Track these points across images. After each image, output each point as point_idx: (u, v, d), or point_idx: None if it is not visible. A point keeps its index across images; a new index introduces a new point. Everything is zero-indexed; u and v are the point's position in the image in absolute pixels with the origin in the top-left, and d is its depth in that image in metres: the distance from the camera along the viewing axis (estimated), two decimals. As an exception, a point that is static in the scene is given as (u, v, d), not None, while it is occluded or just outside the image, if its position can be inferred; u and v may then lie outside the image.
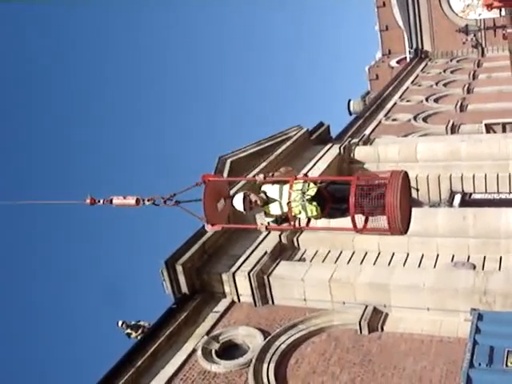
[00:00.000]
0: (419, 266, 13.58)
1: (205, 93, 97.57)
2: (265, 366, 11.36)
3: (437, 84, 30.29)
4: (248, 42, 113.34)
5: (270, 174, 7.27)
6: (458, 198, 18.14)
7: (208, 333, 12.66)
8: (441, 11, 39.66)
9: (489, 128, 20.57)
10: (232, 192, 7.72)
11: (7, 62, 72.52)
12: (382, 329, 12.02)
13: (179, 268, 13.44)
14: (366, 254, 14.28)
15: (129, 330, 13.77)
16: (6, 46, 74.07)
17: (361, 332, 11.94)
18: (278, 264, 13.71)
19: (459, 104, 24.92)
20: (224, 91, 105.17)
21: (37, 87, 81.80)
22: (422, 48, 40.21)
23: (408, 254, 14.02)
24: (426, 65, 37.17)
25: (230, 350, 12.29)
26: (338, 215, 7.12)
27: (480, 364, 9.40)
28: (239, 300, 13.68)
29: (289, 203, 6.96)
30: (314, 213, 7.04)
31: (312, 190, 6.96)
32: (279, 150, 18.97)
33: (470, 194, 18.30)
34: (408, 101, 27.84)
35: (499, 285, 11.58)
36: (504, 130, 20.30)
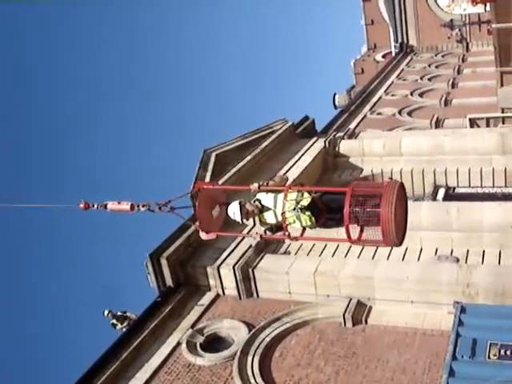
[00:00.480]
0: (403, 259, 13.64)
1: (188, 85, 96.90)
2: (249, 358, 11.39)
3: (422, 78, 30.41)
4: (233, 34, 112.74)
5: (265, 183, 7.19)
6: (441, 192, 18.25)
7: (193, 326, 12.67)
8: (426, 6, 39.75)
9: (473, 122, 20.68)
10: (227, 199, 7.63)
11: (7, 62, 71.70)
12: (366, 321, 12.09)
13: (164, 261, 13.41)
14: (351, 247, 14.32)
15: (114, 321, 13.78)
16: (5, 46, 73.27)
17: (345, 325, 12.01)
18: (262, 257, 13.73)
19: (444, 98, 25.06)
20: (207, 84, 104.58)
21: (36, 87, 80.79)
22: (408, 42, 40.32)
23: (392, 248, 14.09)
24: (411, 59, 37.27)
25: (214, 343, 12.30)
26: (332, 225, 7.11)
27: (463, 356, 9.48)
28: (224, 293, 13.68)
29: (283, 213, 6.92)
30: (308, 223, 7.02)
31: (306, 200, 6.94)
32: (264, 144, 18.98)
33: (454, 188, 18.41)
34: (393, 95, 27.93)
35: (482, 278, 11.69)
36: (488, 125, 20.41)
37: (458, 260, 13.32)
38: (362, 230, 6.57)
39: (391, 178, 18.05)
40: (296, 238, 7.18)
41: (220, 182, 16.23)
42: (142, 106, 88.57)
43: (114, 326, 13.81)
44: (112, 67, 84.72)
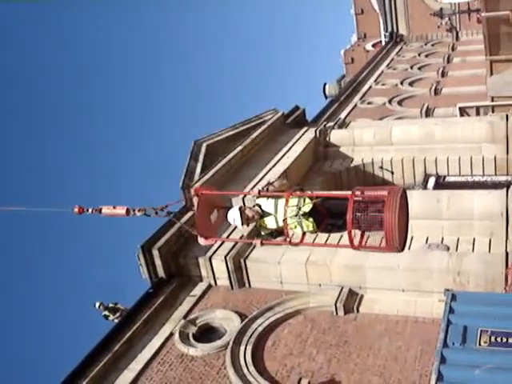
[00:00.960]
0: (394, 247, 13.68)
1: (177, 77, 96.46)
2: (242, 348, 11.43)
3: (412, 67, 30.42)
4: (222, 24, 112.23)
5: (265, 189, 7.18)
6: (432, 181, 18.32)
7: (185, 316, 12.69)
8: (416, -5, 39.72)
9: (463, 111, 20.72)
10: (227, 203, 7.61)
11: (7, 62, 71.10)
12: (358, 310, 12.15)
13: (155, 252, 13.41)
14: (342, 236, 14.31)
15: (106, 312, 13.79)
16: (5, 45, 72.64)
17: (337, 313, 12.07)
18: (254, 247, 13.74)
19: (434, 87, 25.12)
20: (197, 75, 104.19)
21: (37, 87, 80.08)
22: (397, 31, 40.26)
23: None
24: (401, 48, 37.24)
25: (207, 334, 12.34)
26: (334, 231, 7.16)
27: (454, 343, 9.51)
28: (216, 283, 13.70)
29: (284, 220, 6.90)
30: (310, 228, 7.06)
31: (307, 206, 6.94)
32: (255, 134, 18.95)
33: (444, 177, 18.49)
34: (383, 84, 27.95)
35: (472, 266, 11.77)
36: (478, 114, 20.46)
37: (448, 248, 13.39)
38: (363, 236, 6.59)
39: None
40: (297, 244, 7.18)
41: (211, 172, 16.22)
42: (132, 98, 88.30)
43: (106, 317, 13.83)
44: (103, 61, 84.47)
